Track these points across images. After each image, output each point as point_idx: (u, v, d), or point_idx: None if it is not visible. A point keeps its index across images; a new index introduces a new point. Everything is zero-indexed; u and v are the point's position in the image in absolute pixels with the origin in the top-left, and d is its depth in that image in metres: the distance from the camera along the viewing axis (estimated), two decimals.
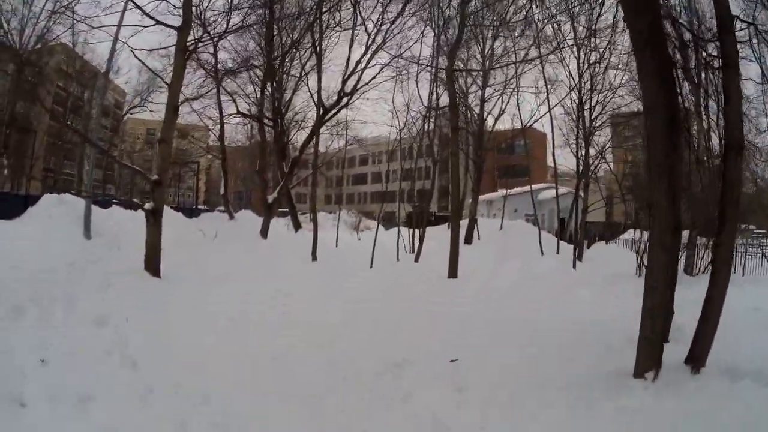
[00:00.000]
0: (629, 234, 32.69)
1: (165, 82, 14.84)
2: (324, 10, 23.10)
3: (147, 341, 8.22)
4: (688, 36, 9.26)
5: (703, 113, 9.67)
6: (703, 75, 9.17)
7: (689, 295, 8.56)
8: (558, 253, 28.45)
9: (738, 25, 8.07)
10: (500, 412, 6.93)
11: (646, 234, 22.12)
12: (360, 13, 23.05)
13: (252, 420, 6.58)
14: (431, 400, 7.42)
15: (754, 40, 9.05)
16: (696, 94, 9.22)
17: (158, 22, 13.62)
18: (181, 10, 14.31)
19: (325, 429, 6.63)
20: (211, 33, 18.32)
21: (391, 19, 24.34)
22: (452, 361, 9.00)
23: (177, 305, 10.82)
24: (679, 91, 8.06)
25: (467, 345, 10.01)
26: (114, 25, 15.14)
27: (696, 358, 7.63)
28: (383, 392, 7.85)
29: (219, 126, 31.12)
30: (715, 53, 8.91)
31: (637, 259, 21.57)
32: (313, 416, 6.88)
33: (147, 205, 12.90)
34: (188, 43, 13.92)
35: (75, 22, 18.83)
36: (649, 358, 7.57)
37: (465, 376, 8.27)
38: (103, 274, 10.83)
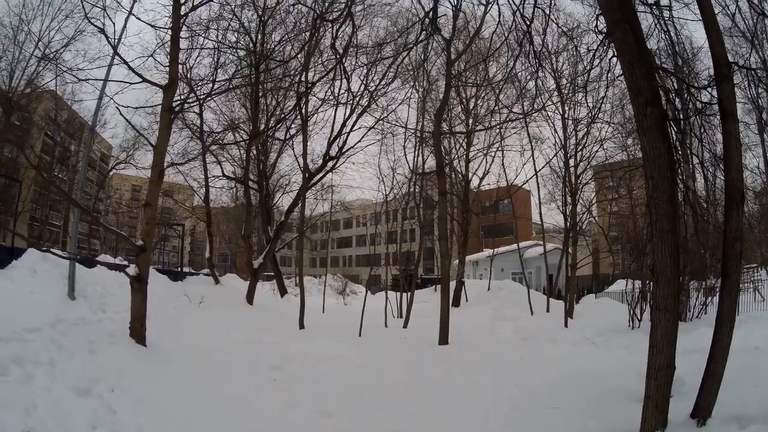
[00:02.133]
0: (618, 285, 32.67)
1: (150, 144, 14.72)
2: (310, 84, 23.16)
3: (134, 415, 7.88)
4: (676, 86, 9.25)
5: (697, 162, 9.59)
6: (698, 124, 9.11)
7: (686, 343, 8.45)
8: (548, 311, 28.37)
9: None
10: None
11: (637, 283, 22.11)
12: (346, 76, 23.07)
13: None
14: None
15: (750, 84, 9.11)
16: (687, 145, 9.13)
17: (144, 80, 13.56)
18: (167, 68, 14.26)
19: None
20: (198, 93, 18.36)
21: (377, 82, 24.44)
22: None
23: (163, 375, 10.51)
24: (673, 143, 8.00)
25: (465, 416, 9.83)
26: (100, 80, 15.05)
27: (701, 411, 7.47)
28: None
29: (204, 188, 31.00)
30: (706, 101, 8.93)
31: (629, 311, 21.47)
32: None
33: (131, 271, 12.64)
34: (174, 104, 13.83)
35: (61, 72, 18.84)
36: (654, 418, 7.40)
37: None
38: (87, 339, 10.56)
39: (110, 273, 17.21)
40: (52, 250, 14.92)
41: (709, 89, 8.74)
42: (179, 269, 32.44)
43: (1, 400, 6.64)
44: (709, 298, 20.27)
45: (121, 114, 14.98)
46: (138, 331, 12.05)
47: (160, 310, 14.61)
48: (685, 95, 8.81)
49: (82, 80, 15.54)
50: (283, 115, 27.65)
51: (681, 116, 8.73)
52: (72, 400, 7.51)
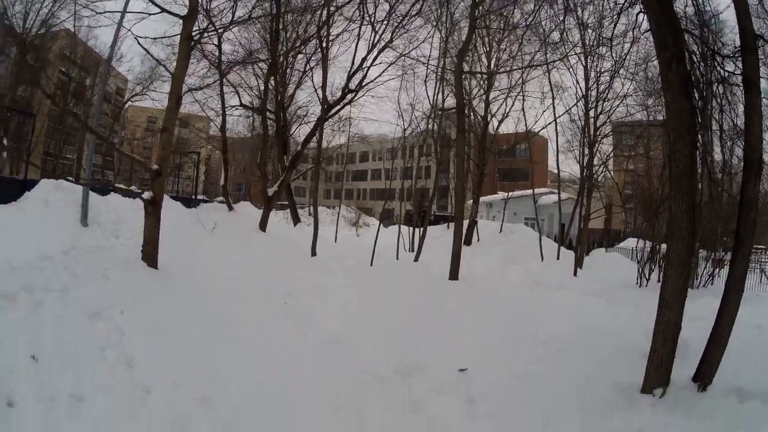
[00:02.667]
0: (628, 242, 32.67)
1: (168, 72, 14.64)
2: (332, 9, 22.86)
3: (144, 337, 7.91)
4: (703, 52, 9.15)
5: (716, 129, 9.52)
6: (720, 92, 9.02)
7: (692, 309, 8.44)
8: (558, 258, 28.41)
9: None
10: (512, 428, 6.80)
11: (648, 243, 22.16)
12: (366, 10, 22.78)
13: (256, 422, 6.40)
14: (442, 410, 7.32)
15: None
16: (708, 111, 9.06)
17: (163, 10, 13.36)
18: None
19: None
20: (216, 24, 18.09)
21: (400, 18, 24.08)
22: (461, 370, 8.85)
23: (175, 300, 10.46)
24: (697, 108, 7.97)
25: (474, 351, 9.85)
26: (118, 12, 14.94)
27: (704, 376, 7.57)
28: (393, 399, 7.73)
29: (221, 117, 30.75)
30: (731, 70, 8.86)
31: (638, 269, 21.53)
32: (322, 420, 6.72)
33: (146, 195, 12.59)
34: (193, 33, 13.67)
35: (78, 6, 18.64)
36: (658, 375, 7.51)
37: (475, 386, 8.16)
38: (99, 264, 10.54)
39: (124, 200, 17.25)
40: (66, 178, 14.90)
41: (733, 59, 8.63)
42: (193, 197, 32.52)
43: (9, 327, 6.68)
44: (717, 270, 20.38)
45: (139, 44, 14.89)
46: (150, 255, 12.07)
47: (173, 236, 14.55)
48: (709, 61, 8.73)
49: (100, 13, 15.32)
50: (305, 39, 27.27)
51: (704, 82, 8.68)
52: (82, 324, 7.50)
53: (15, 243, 10.14)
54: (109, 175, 66.98)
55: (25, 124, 34.12)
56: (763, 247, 28.44)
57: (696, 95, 8.06)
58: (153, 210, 12.39)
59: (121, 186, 24.76)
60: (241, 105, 32.49)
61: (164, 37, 17.77)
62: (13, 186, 15.30)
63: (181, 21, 13.24)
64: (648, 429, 6.67)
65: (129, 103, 61.88)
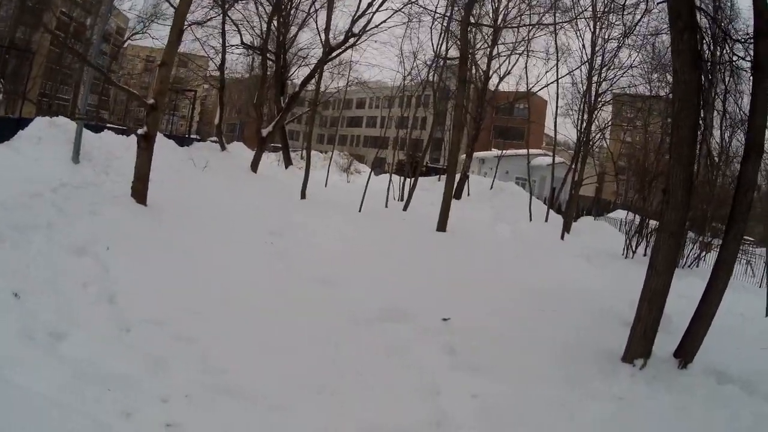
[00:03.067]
0: (617, 213, 32.76)
1: (172, 5, 14.47)
2: None
3: (128, 273, 7.93)
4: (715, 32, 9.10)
5: (722, 112, 9.52)
6: (728, 74, 9.00)
7: (677, 287, 8.44)
8: (546, 221, 28.46)
9: None
10: (491, 382, 6.81)
11: (637, 217, 22.25)
12: None
13: (239, 362, 6.33)
14: (424, 358, 7.30)
15: None
16: (713, 92, 9.05)
17: None
18: None
19: (318, 376, 6.41)
20: None
21: None
22: (444, 320, 8.87)
23: (161, 236, 10.51)
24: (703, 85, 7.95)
25: (458, 302, 9.89)
26: None
27: (686, 352, 7.65)
28: (374, 342, 7.71)
29: (220, 56, 30.51)
30: (741, 54, 8.82)
31: (626, 240, 21.63)
32: (305, 363, 6.70)
33: (140, 130, 12.58)
34: None
35: None
36: (640, 345, 7.59)
37: (457, 337, 8.16)
38: (88, 201, 10.49)
39: (117, 137, 17.08)
40: (60, 115, 14.70)
41: (745, 44, 8.60)
42: (187, 135, 32.38)
43: None
44: (704, 253, 20.52)
45: None
46: (140, 191, 12.04)
47: (164, 173, 14.53)
48: (720, 43, 8.69)
49: None
50: None
51: (712, 62, 8.65)
52: (66, 260, 7.53)
53: (5, 182, 10.00)
54: (104, 114, 66.66)
55: (22, 65, 33.75)
56: (751, 239, 28.70)
57: (703, 76, 8.01)
58: (146, 145, 12.34)
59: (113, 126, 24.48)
60: (242, 44, 32.10)
61: None
62: (8, 125, 15.15)
63: None
64: (628, 398, 6.72)
65: (128, 42, 61.30)
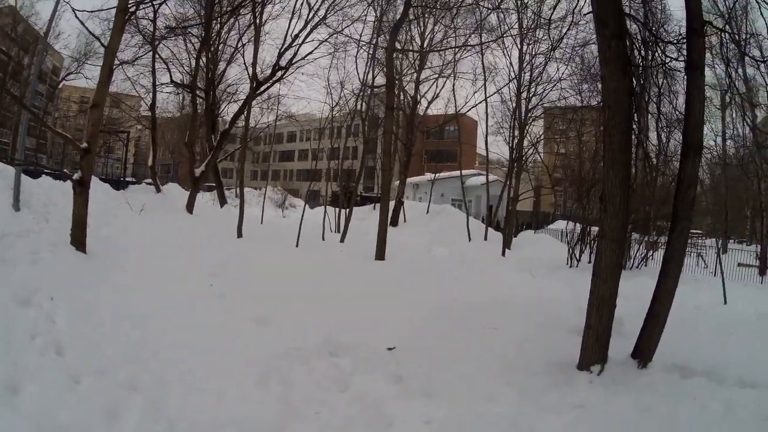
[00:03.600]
0: (558, 224, 33.15)
1: (103, 45, 14.34)
2: None
3: (72, 324, 7.73)
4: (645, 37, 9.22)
5: (656, 113, 9.62)
6: (660, 76, 9.10)
7: (625, 288, 8.44)
8: (486, 239, 28.69)
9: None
10: (443, 406, 6.69)
11: (578, 226, 22.48)
12: None
13: (189, 410, 6.17)
14: (371, 388, 7.16)
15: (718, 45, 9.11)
16: (646, 94, 9.15)
17: None
18: None
19: (274, 418, 6.24)
20: None
21: None
22: (389, 349, 8.68)
23: (103, 284, 10.28)
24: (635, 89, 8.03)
25: (401, 329, 9.74)
26: None
27: (643, 353, 7.61)
28: (321, 377, 7.53)
29: (151, 95, 30.24)
30: (674, 55, 8.95)
31: (569, 250, 21.80)
32: (259, 405, 6.52)
33: (75, 176, 12.38)
34: (129, 5, 13.43)
35: None
36: (595, 352, 7.55)
37: (403, 364, 8.01)
38: (29, 249, 10.31)
39: (55, 182, 16.84)
40: (1, 160, 14.46)
41: (676, 45, 8.78)
42: (122, 179, 32.03)
43: None
44: (651, 252, 20.82)
45: (76, 17, 14.44)
46: (79, 238, 11.87)
47: (101, 218, 14.52)
48: (651, 47, 8.81)
49: None
50: (237, 6, 26.87)
51: (643, 66, 8.74)
52: (12, 310, 7.34)
53: None
54: (42, 158, 65.70)
55: None
56: (700, 232, 29.42)
57: (634, 79, 8.08)
58: (81, 191, 12.20)
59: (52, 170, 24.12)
60: (172, 82, 31.96)
61: (101, 10, 17.39)
62: None
63: None
64: (588, 404, 6.62)
65: (64, 82, 60.94)
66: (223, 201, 35.21)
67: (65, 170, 21.97)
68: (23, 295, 7.88)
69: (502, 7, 22.83)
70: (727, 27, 13.51)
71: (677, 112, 9.19)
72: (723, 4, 19.13)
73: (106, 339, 7.66)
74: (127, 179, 33.70)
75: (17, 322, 7.08)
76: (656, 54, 8.74)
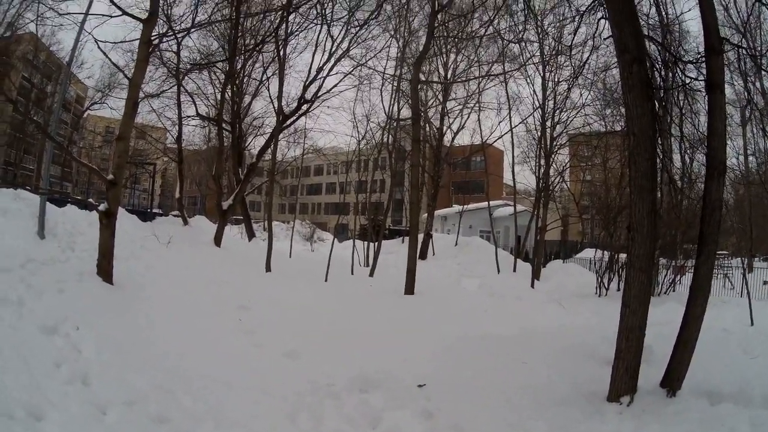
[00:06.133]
0: (586, 253, 32.87)
1: (126, 77, 14.50)
2: (291, 9, 22.66)
3: (99, 354, 7.70)
4: (665, 57, 9.17)
5: (677, 135, 9.55)
6: (682, 97, 9.04)
7: (655, 315, 8.38)
8: (515, 271, 28.47)
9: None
10: None
11: (606, 253, 22.30)
12: (324, 12, 22.75)
13: None
14: (401, 424, 7.14)
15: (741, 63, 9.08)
16: (669, 117, 9.08)
17: (125, 13, 13.24)
18: (148, 2, 14.01)
19: None
20: (176, 29, 17.93)
21: (359, 25, 24.10)
22: (420, 386, 8.62)
23: (130, 315, 10.24)
24: (658, 112, 7.96)
25: (431, 364, 9.76)
26: (81, 13, 14.74)
27: (672, 381, 7.48)
28: (353, 412, 7.54)
29: (177, 127, 30.30)
30: (693, 75, 8.89)
31: (597, 279, 21.62)
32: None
33: (101, 207, 12.41)
34: (152, 37, 13.57)
35: (42, 8, 18.53)
36: (624, 383, 7.43)
37: (433, 400, 7.98)
38: (55, 277, 10.33)
39: (80, 212, 16.92)
40: (26, 187, 14.62)
41: (695, 65, 8.70)
42: (149, 210, 32.16)
43: None
44: (678, 277, 20.61)
45: (99, 48, 14.61)
46: (105, 269, 11.82)
47: (128, 250, 14.46)
48: (671, 67, 8.74)
49: (62, 14, 15.20)
50: (263, 38, 27.07)
51: (664, 88, 8.68)
52: (38, 338, 7.33)
53: None
54: (67, 186, 66.23)
55: None
56: (726, 252, 29.05)
57: (656, 102, 8.02)
58: (108, 222, 12.17)
59: (77, 198, 24.28)
60: (198, 115, 31.91)
61: (124, 42, 17.60)
62: None
63: (141, 24, 13.13)
64: None
65: (88, 111, 61.40)
66: (251, 234, 35.29)
67: (90, 200, 22.16)
68: (49, 323, 7.89)
69: (523, 34, 22.84)
70: (744, 41, 13.44)
71: (700, 133, 9.13)
72: (737, 17, 19.13)
73: (134, 370, 7.61)
74: (153, 211, 33.84)
75: (42, 350, 7.07)
76: (676, 74, 8.67)
